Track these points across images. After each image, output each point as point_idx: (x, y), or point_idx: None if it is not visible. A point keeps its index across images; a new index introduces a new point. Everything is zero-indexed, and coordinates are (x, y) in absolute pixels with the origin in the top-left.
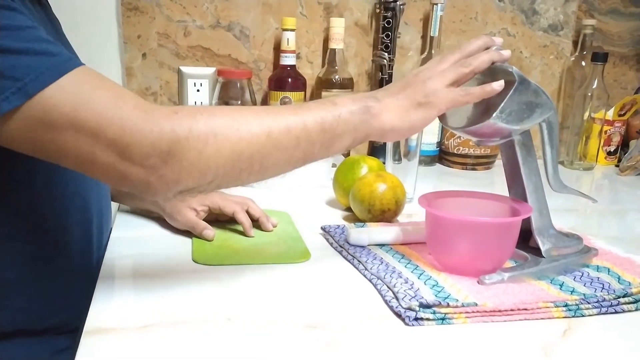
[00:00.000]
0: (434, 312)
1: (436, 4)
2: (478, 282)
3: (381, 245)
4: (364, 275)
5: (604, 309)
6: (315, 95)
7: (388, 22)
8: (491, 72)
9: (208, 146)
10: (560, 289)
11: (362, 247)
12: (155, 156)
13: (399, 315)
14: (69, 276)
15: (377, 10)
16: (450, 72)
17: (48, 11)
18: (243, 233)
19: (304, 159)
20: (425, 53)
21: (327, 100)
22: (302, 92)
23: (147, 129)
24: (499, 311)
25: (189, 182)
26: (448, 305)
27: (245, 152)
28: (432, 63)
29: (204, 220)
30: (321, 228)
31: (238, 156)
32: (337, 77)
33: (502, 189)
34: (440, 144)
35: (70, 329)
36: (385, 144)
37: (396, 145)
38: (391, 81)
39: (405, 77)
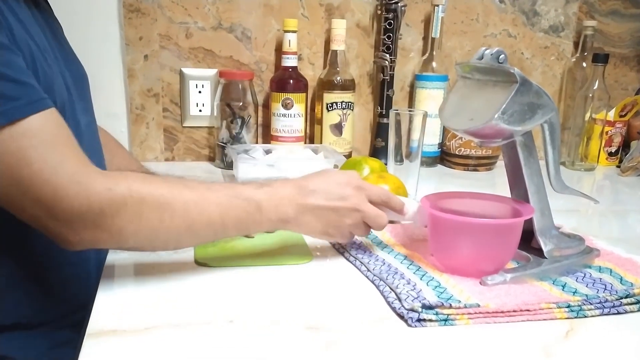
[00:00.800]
0: (437, 313)
1: (437, 6)
2: (480, 283)
3: (383, 246)
4: (366, 277)
5: (606, 310)
6: (317, 97)
7: (389, 24)
8: (493, 74)
9: (130, 225)
10: (563, 289)
11: (364, 249)
12: (80, 222)
13: (401, 317)
14: (68, 269)
15: (379, 12)
16: (360, 229)
17: (47, 14)
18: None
19: (215, 240)
20: (427, 54)
21: (255, 202)
22: (304, 94)
23: (78, 197)
24: (502, 312)
25: (105, 246)
26: (450, 307)
27: (162, 236)
28: (367, 210)
29: None
30: None
31: (155, 237)
32: (338, 78)
33: (504, 190)
34: (441, 145)
35: (70, 322)
36: (386, 145)
37: (398, 146)
38: (392, 83)
39: (338, 206)
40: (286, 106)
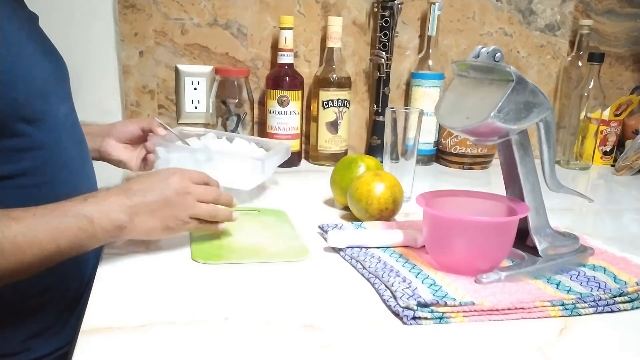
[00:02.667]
0: (432, 311)
1: (434, 4)
2: (475, 281)
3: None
4: (362, 274)
5: (600, 308)
6: (313, 95)
7: (386, 21)
8: (489, 72)
9: None
10: (557, 288)
11: (360, 247)
12: None
13: (396, 315)
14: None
15: (375, 9)
16: (199, 208)
17: (26, 9)
18: (241, 231)
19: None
20: (423, 52)
21: (84, 216)
22: (300, 91)
23: None
24: (496, 310)
25: None
26: (446, 305)
27: None
28: (195, 189)
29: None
30: (319, 227)
31: None
32: (334, 76)
33: (499, 189)
34: (437, 143)
35: (48, 310)
36: (382, 143)
37: (394, 144)
38: (388, 80)
39: (166, 194)
40: (282, 103)
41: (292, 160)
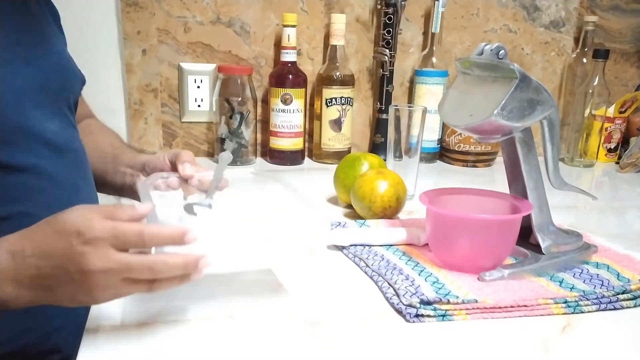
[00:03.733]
0: (435, 309)
1: (437, 0)
2: (478, 279)
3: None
4: (365, 272)
5: (603, 306)
6: (316, 92)
7: (389, 19)
8: (492, 69)
9: None
10: (560, 285)
11: (363, 246)
12: None
13: (399, 312)
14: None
15: (378, 7)
16: (130, 291)
17: (23, 11)
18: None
19: None
20: (427, 49)
21: None
22: (303, 89)
23: None
24: (499, 308)
25: None
26: (448, 302)
27: None
28: (122, 266)
29: None
30: None
31: None
32: (338, 73)
33: (503, 186)
34: (440, 140)
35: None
36: (386, 140)
37: (397, 142)
38: (392, 78)
39: (68, 269)
40: (285, 102)
41: (296, 159)
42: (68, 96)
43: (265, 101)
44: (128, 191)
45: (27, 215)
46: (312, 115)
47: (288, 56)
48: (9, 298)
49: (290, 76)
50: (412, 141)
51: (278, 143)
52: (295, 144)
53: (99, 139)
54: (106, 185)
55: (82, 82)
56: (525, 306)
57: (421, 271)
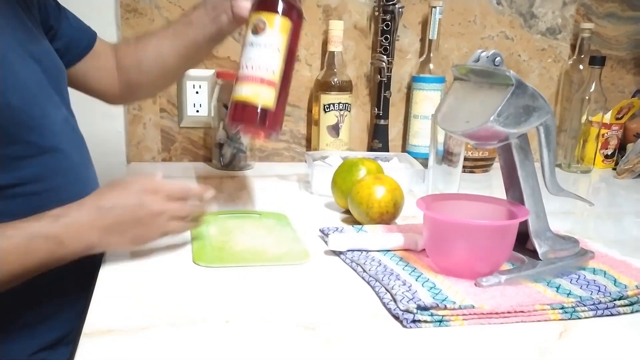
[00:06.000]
0: (432, 314)
1: (435, 7)
2: (475, 285)
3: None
4: (362, 277)
5: (600, 312)
6: (314, 98)
7: (387, 25)
8: (489, 76)
9: None
10: (557, 291)
11: (360, 250)
12: None
13: (396, 317)
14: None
15: (376, 13)
16: (171, 226)
17: (23, 8)
18: (242, 235)
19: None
20: (424, 56)
21: (54, 238)
22: (287, 20)
23: None
24: (496, 313)
25: None
26: (445, 308)
27: None
28: (169, 208)
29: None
30: (320, 230)
31: None
32: (335, 79)
33: (500, 192)
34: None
35: (59, 323)
36: (383, 146)
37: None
38: (390, 84)
39: (139, 215)
40: (256, 30)
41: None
42: (66, 87)
43: None
44: (227, 27)
45: (54, 190)
46: (310, 121)
47: None
48: (94, 244)
49: None
50: (439, 148)
51: (236, 92)
52: (260, 95)
53: (153, 37)
54: (196, 50)
55: (93, 38)
56: (522, 312)
57: (418, 276)
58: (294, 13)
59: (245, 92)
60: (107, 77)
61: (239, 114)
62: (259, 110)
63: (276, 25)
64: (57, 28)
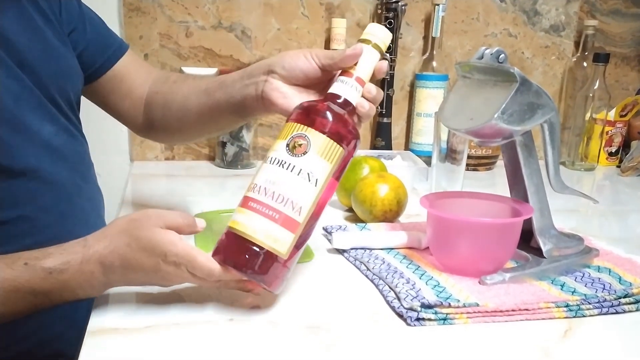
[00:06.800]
0: (436, 313)
1: (438, 5)
2: (479, 283)
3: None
4: (366, 276)
5: (604, 310)
6: None
7: (390, 23)
8: (493, 73)
9: None
10: (562, 289)
11: (364, 249)
12: None
13: (400, 316)
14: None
15: (379, 11)
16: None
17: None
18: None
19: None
20: (427, 54)
21: (40, 294)
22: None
23: None
24: (500, 311)
25: None
26: (449, 306)
27: None
28: (187, 279)
29: None
30: (323, 229)
31: None
32: None
33: (504, 190)
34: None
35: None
36: (386, 144)
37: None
38: (393, 82)
39: (151, 282)
40: (293, 148)
41: None
42: (68, 96)
43: None
44: (252, 102)
45: (28, 219)
46: None
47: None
48: (93, 295)
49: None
50: (442, 146)
51: (247, 223)
52: (277, 243)
53: (187, 84)
54: (219, 116)
55: (122, 49)
56: (527, 310)
57: (422, 274)
58: (351, 140)
59: (253, 225)
60: (129, 102)
61: (233, 251)
62: (262, 254)
63: (324, 151)
64: (79, 30)
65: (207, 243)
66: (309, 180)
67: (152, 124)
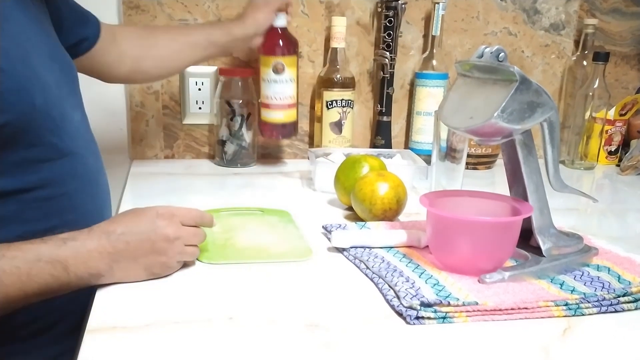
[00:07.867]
0: (435, 311)
1: (438, 3)
2: (479, 281)
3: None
4: (365, 274)
5: (604, 308)
6: (317, 95)
7: (390, 21)
8: (493, 72)
9: None
10: (561, 288)
11: (364, 247)
12: None
13: (400, 314)
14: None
15: (379, 9)
16: (186, 254)
17: (37, 6)
18: (245, 232)
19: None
20: (427, 52)
21: (59, 263)
22: (295, 57)
23: None
24: (500, 310)
25: None
26: (449, 304)
27: None
28: (184, 233)
29: None
30: (322, 227)
31: None
32: (338, 76)
33: (503, 189)
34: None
35: (69, 328)
36: (386, 143)
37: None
38: (392, 81)
39: (153, 240)
40: (277, 71)
41: (289, 132)
42: (79, 88)
43: None
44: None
45: (69, 196)
46: (313, 118)
47: (279, 21)
48: (102, 272)
49: (281, 42)
50: (442, 145)
51: (270, 116)
52: (288, 116)
53: (163, 33)
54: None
55: (98, 28)
56: (526, 308)
57: (421, 273)
58: (297, 48)
59: (279, 116)
60: (114, 64)
61: (279, 131)
62: (290, 125)
63: (291, 64)
64: (64, 20)
65: (206, 244)
66: (291, 82)
67: (134, 73)
